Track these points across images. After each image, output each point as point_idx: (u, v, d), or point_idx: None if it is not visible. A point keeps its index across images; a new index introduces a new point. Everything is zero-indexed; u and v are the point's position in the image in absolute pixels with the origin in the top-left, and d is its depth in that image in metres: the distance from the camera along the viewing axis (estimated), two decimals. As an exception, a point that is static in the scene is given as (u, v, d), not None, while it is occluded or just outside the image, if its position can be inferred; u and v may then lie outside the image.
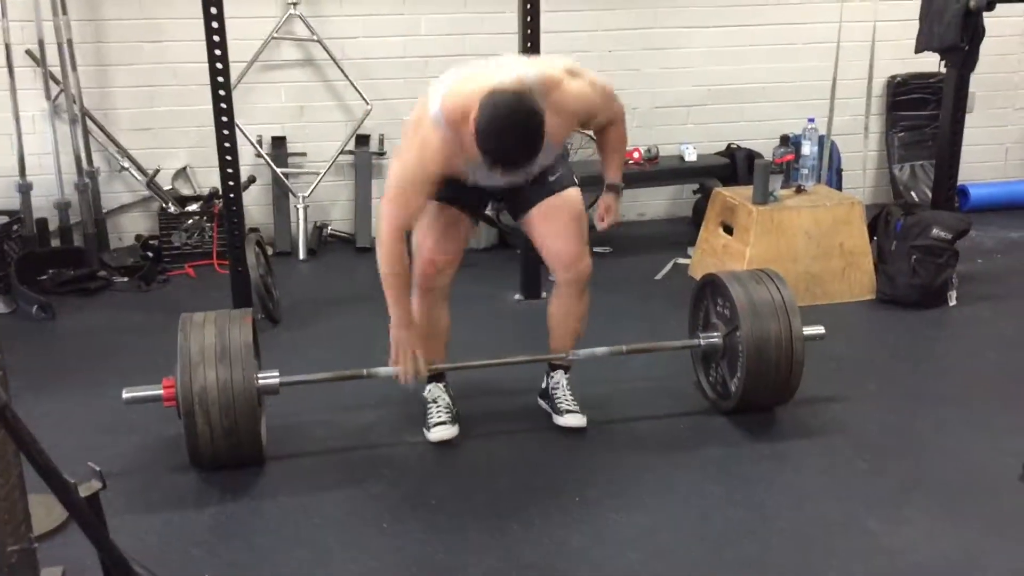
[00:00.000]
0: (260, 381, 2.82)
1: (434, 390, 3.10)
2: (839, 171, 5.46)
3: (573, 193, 2.93)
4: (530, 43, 4.03)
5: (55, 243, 4.75)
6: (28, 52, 4.60)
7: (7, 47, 4.43)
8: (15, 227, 4.57)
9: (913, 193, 5.55)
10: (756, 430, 3.11)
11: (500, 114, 2.38)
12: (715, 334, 3.18)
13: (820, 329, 3.15)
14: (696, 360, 3.34)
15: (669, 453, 3.00)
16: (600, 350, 3.08)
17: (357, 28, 4.98)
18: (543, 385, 3.20)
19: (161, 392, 2.77)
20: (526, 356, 3.20)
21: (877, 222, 4.36)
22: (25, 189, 4.57)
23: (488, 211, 3.92)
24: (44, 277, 4.48)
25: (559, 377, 3.15)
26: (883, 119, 5.65)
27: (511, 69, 2.58)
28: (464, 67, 2.70)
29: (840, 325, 3.93)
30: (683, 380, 3.39)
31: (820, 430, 3.13)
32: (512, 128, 2.40)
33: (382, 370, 2.93)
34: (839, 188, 5.36)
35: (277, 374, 2.88)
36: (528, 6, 3.99)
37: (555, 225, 2.90)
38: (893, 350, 3.81)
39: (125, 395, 2.81)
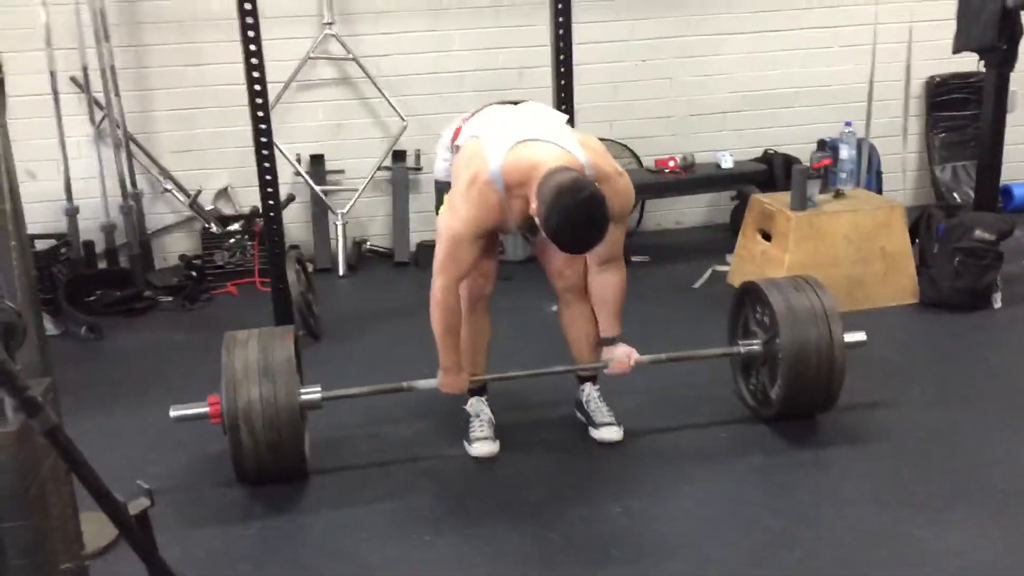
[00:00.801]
0: (303, 396, 2.86)
1: (476, 404, 3.13)
2: (879, 174, 5.41)
3: None
4: (562, 55, 4.05)
5: (102, 265, 4.86)
6: (73, 79, 4.72)
7: (52, 74, 4.55)
8: (63, 250, 4.69)
9: (955, 194, 5.49)
10: (798, 437, 3.08)
11: (568, 209, 2.45)
12: (755, 342, 3.17)
13: (861, 335, 3.12)
14: (736, 368, 3.33)
15: (710, 462, 2.99)
16: (641, 358, 3.07)
17: (391, 46, 5.05)
18: (577, 397, 3.21)
19: (207, 409, 2.83)
20: (563, 367, 3.20)
21: (919, 225, 4.31)
22: (72, 212, 4.68)
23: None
24: (92, 298, 4.58)
25: (589, 389, 3.16)
26: (923, 120, 5.59)
27: (565, 144, 2.64)
28: (510, 119, 2.79)
29: (883, 330, 3.89)
30: (723, 388, 3.37)
31: (863, 436, 3.10)
32: (581, 222, 2.47)
33: (422, 383, 2.96)
34: (879, 191, 5.31)
35: (319, 389, 2.92)
36: (560, 19, 4.01)
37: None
38: (937, 354, 3.76)
39: (172, 413, 2.87)
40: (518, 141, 2.64)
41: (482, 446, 3.02)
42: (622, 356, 2.99)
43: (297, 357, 2.99)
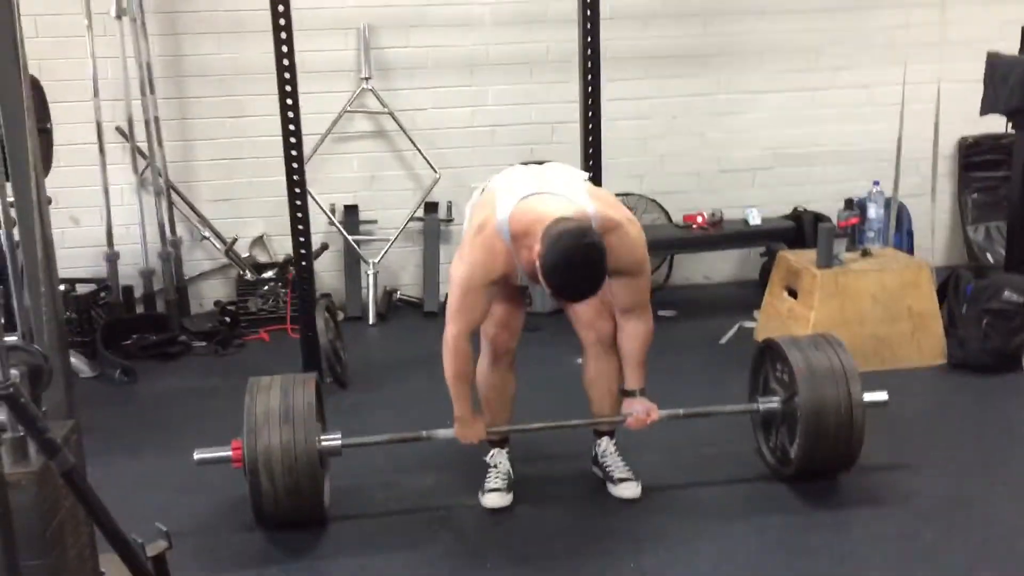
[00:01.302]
0: (322, 443, 2.91)
1: (496, 455, 3.16)
2: (910, 233, 5.39)
3: None
4: (591, 112, 4.13)
5: (139, 309, 4.97)
6: (118, 129, 4.88)
7: (99, 125, 4.71)
8: (102, 294, 4.81)
9: (988, 255, 5.45)
10: (817, 498, 3.07)
11: (565, 249, 2.48)
12: (774, 399, 3.17)
13: (883, 395, 3.11)
14: (756, 425, 3.32)
15: (727, 520, 2.98)
16: (660, 414, 3.08)
17: (426, 100, 5.16)
18: (593, 452, 3.22)
19: (230, 453, 2.88)
20: (581, 420, 3.20)
21: (947, 285, 4.29)
22: (112, 258, 4.81)
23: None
24: (128, 342, 4.69)
25: (605, 444, 3.17)
26: (955, 180, 5.58)
27: (574, 197, 2.69)
28: (527, 174, 2.84)
29: (908, 390, 3.87)
30: (743, 446, 3.36)
31: (884, 499, 3.07)
32: (576, 265, 2.50)
33: (441, 432, 3.00)
34: (911, 250, 5.29)
35: (339, 436, 2.97)
36: (589, 76, 4.09)
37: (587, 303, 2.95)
38: (963, 417, 3.72)
39: (196, 456, 2.93)
40: (529, 194, 2.69)
41: (494, 498, 3.04)
42: (641, 412, 3.00)
43: (319, 403, 3.05)
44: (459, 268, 2.78)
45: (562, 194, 2.70)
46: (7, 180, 2.02)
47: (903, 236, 5.29)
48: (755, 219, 5.09)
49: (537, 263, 2.53)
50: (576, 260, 2.49)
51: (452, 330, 2.81)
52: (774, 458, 3.22)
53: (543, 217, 2.58)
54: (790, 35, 5.34)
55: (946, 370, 4.12)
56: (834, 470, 3.13)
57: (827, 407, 2.97)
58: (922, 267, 4.21)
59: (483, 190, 2.96)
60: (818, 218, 5.12)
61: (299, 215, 4.03)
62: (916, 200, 5.28)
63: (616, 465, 3.14)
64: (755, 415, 3.27)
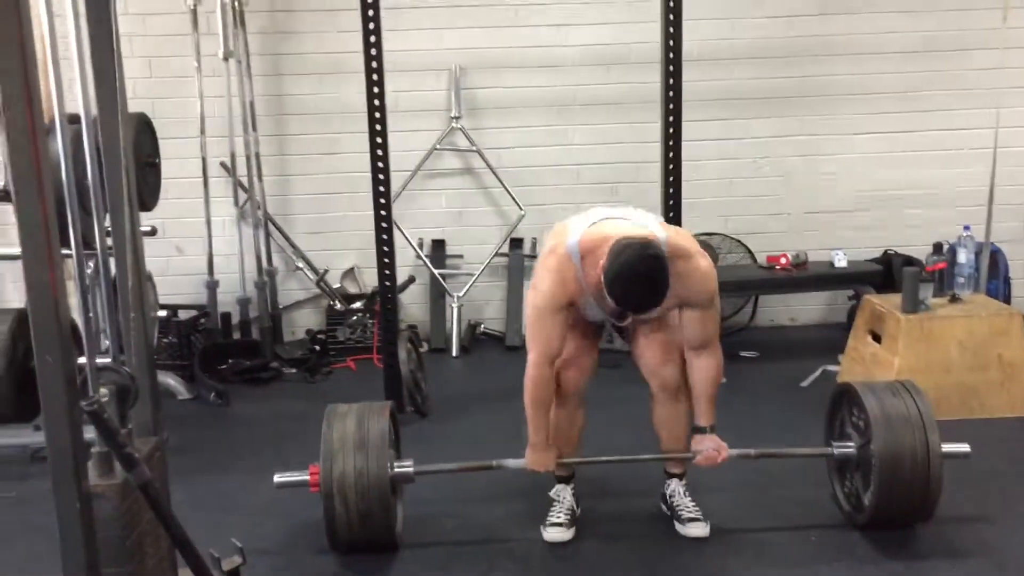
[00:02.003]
0: (395, 469, 3.01)
1: (561, 490, 3.20)
2: (1007, 280, 5.23)
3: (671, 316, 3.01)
4: (672, 152, 4.17)
5: (236, 335, 5.19)
6: (222, 164, 5.14)
7: (204, 160, 4.98)
8: (202, 320, 5.05)
9: (1091, 303, 5.24)
10: (891, 547, 3.00)
11: (627, 261, 2.56)
12: (849, 444, 3.13)
13: (964, 447, 3.03)
14: (831, 470, 3.28)
15: (796, 567, 2.94)
16: (731, 452, 3.07)
17: (514, 139, 5.29)
18: (663, 491, 3.23)
19: (307, 478, 3.00)
20: (649, 455, 3.21)
21: (1040, 333, 4.16)
22: (212, 286, 5.06)
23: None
24: (224, 366, 4.90)
25: (675, 485, 3.18)
26: (1056, 225, 5.41)
27: (646, 223, 2.79)
28: (606, 210, 2.92)
29: (996, 441, 3.77)
30: (818, 491, 3.32)
31: (963, 551, 2.99)
32: (639, 275, 2.57)
33: (510, 462, 3.06)
34: (1007, 298, 5.13)
35: (411, 463, 3.06)
36: (670, 118, 4.14)
37: (643, 330, 3.03)
38: (1053, 470, 3.60)
39: (276, 479, 3.06)
40: (600, 219, 2.78)
41: (555, 532, 3.08)
42: (711, 450, 3.00)
43: (395, 431, 3.15)
44: (532, 295, 2.87)
45: (632, 219, 2.79)
46: (106, 211, 2.18)
47: (1000, 283, 5.14)
48: (841, 261, 5.02)
49: (600, 276, 2.60)
50: (639, 269, 2.55)
51: (531, 358, 2.88)
52: (848, 504, 3.17)
53: (611, 237, 2.66)
54: (879, 77, 5.29)
55: (1037, 421, 3.99)
56: (910, 520, 3.06)
57: (903, 455, 2.92)
58: (1013, 315, 4.09)
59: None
60: (909, 262, 5.02)
61: (385, 248, 4.17)
62: (1014, 246, 5.13)
63: (685, 505, 3.14)
64: (830, 459, 3.24)
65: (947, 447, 2.97)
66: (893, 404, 3.02)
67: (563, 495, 3.18)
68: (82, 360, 2.01)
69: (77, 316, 2.16)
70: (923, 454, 2.93)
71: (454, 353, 5.22)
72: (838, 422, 3.27)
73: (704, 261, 2.82)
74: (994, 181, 4.54)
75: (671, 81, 4.10)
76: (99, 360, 1.98)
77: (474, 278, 5.31)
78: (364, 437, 2.95)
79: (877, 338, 4.24)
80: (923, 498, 2.97)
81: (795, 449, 3.29)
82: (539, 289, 2.83)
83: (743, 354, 4.95)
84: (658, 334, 3.01)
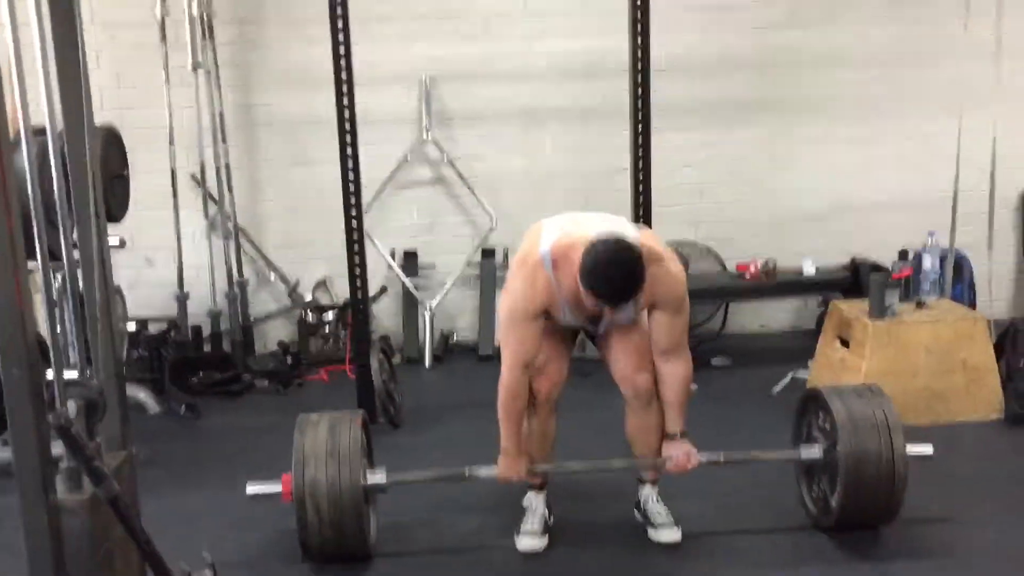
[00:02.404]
0: (368, 479, 3.01)
1: (533, 498, 3.21)
2: (972, 285, 5.31)
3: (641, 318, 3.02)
4: (642, 161, 4.21)
5: (206, 348, 5.16)
6: (192, 175, 5.12)
7: (173, 171, 4.96)
8: (172, 333, 5.02)
9: (1055, 307, 5.33)
10: (859, 549, 3.04)
11: (602, 252, 2.61)
12: (815, 448, 3.16)
13: (927, 448, 3.08)
14: (799, 474, 3.31)
15: (766, 570, 2.98)
16: (700, 458, 3.09)
17: (485, 149, 5.31)
18: (636, 499, 3.25)
19: (280, 488, 2.99)
20: (621, 460, 3.23)
21: (1004, 338, 4.23)
22: (182, 299, 5.03)
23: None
24: (195, 379, 4.87)
25: (648, 491, 3.20)
26: (1019, 232, 5.49)
27: (619, 227, 2.81)
28: (578, 215, 2.95)
29: (961, 444, 3.83)
30: (786, 494, 3.35)
31: (928, 552, 3.04)
32: (613, 263, 2.61)
33: (482, 470, 3.07)
34: (972, 302, 5.20)
35: (383, 473, 3.06)
36: (640, 127, 4.18)
37: (616, 338, 3.04)
38: (1015, 471, 3.65)
39: (249, 490, 3.05)
40: (572, 223, 2.80)
41: (528, 540, 3.09)
42: (681, 456, 3.02)
43: (367, 441, 3.15)
44: (504, 302, 2.89)
45: (602, 222, 2.81)
46: (74, 224, 2.17)
47: (964, 288, 5.21)
48: (810, 268, 5.08)
49: (576, 276, 2.64)
50: (613, 259, 2.59)
51: (505, 363, 2.90)
52: (816, 508, 3.21)
53: (585, 239, 2.68)
54: (846, 87, 5.36)
55: (1002, 425, 4.05)
56: (875, 521, 3.10)
57: (869, 458, 2.97)
58: (977, 320, 4.16)
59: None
60: (876, 268, 5.08)
61: (357, 259, 4.17)
62: (978, 252, 5.20)
63: (658, 511, 3.16)
64: (798, 463, 3.27)
65: (911, 449, 3.02)
66: (859, 407, 3.06)
67: (535, 503, 3.19)
68: (50, 374, 2.01)
69: (44, 330, 2.15)
70: (888, 456, 2.98)
71: (427, 363, 5.22)
72: (805, 426, 3.31)
73: (674, 265, 2.85)
74: (958, 188, 4.61)
75: (640, 91, 4.15)
76: (67, 374, 1.97)
77: (446, 288, 5.32)
78: (336, 446, 2.95)
79: (845, 344, 4.29)
80: (888, 500, 3.02)
81: (763, 453, 3.32)
82: (512, 296, 2.85)
83: (714, 361, 4.98)
84: (630, 341, 3.02)
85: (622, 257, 2.61)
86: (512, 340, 2.87)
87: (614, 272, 2.61)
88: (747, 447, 3.59)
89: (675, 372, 2.97)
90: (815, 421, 3.23)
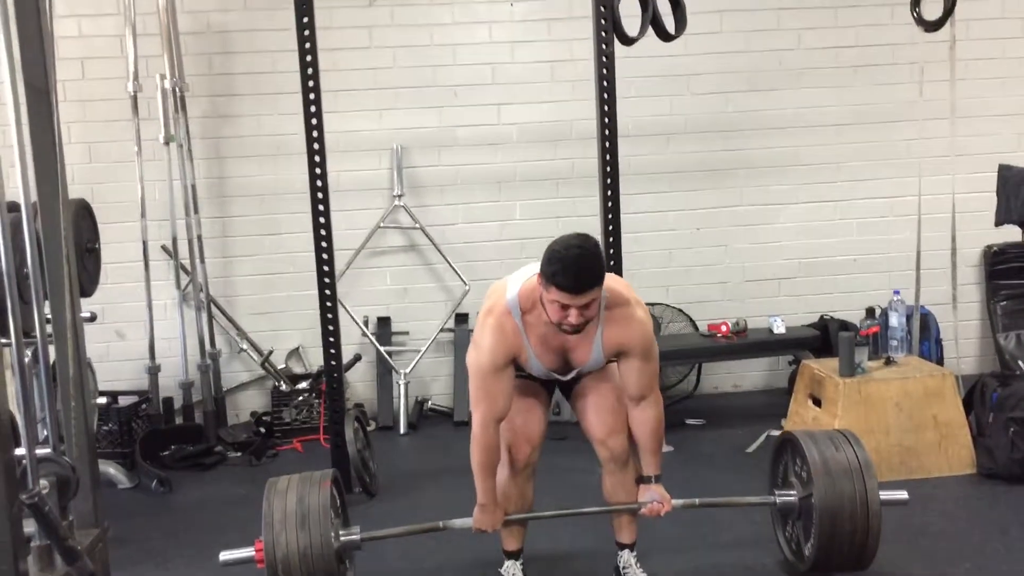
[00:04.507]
0: (342, 538, 2.97)
1: (510, 567, 3.18)
2: (939, 342, 5.39)
3: (610, 367, 3.04)
4: (611, 226, 4.26)
5: (178, 420, 5.11)
6: (163, 247, 5.12)
7: (144, 244, 4.95)
8: (143, 406, 4.96)
9: (1021, 362, 5.41)
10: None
11: (560, 242, 2.68)
12: (791, 493, 3.17)
13: (902, 494, 3.09)
14: (774, 515, 3.33)
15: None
16: (675, 503, 3.06)
17: (456, 215, 5.36)
18: (616, 563, 3.22)
19: (253, 553, 2.94)
20: (596, 508, 3.18)
21: (973, 393, 4.28)
22: (154, 371, 4.99)
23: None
24: (166, 452, 4.80)
25: (627, 557, 3.18)
26: (983, 288, 5.60)
27: None
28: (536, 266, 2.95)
29: (935, 499, 3.85)
30: (764, 550, 3.35)
31: (905, 608, 3.04)
32: (573, 247, 2.65)
33: (457, 522, 3.05)
34: (940, 359, 5.28)
35: (358, 529, 3.03)
36: (608, 192, 4.24)
37: (591, 398, 3.05)
38: (990, 527, 3.66)
39: (222, 557, 3.00)
40: (536, 273, 2.79)
41: (506, 608, 3.06)
42: (655, 502, 3.00)
43: (341, 499, 3.11)
44: (471, 356, 2.90)
45: None
46: (45, 299, 2.17)
47: (931, 344, 5.29)
48: (779, 328, 5.14)
49: (542, 309, 2.70)
50: (571, 243, 2.65)
51: (476, 418, 2.89)
52: (790, 551, 3.22)
53: None
54: (809, 149, 5.50)
55: (975, 480, 4.07)
56: (849, 568, 3.09)
57: (843, 503, 2.98)
58: (946, 375, 4.21)
59: None
60: (844, 326, 5.15)
61: (330, 327, 4.17)
62: (944, 309, 5.29)
63: (636, 575, 3.14)
64: (772, 508, 3.27)
65: (885, 495, 3.04)
66: (833, 455, 3.08)
67: (513, 571, 3.16)
68: (21, 451, 1.98)
69: (14, 406, 2.13)
70: (862, 501, 2.99)
71: (402, 430, 5.19)
72: (781, 470, 3.31)
73: (640, 311, 2.89)
74: (920, 246, 4.71)
75: (607, 156, 4.22)
76: (39, 451, 1.95)
77: (420, 354, 5.32)
78: (306, 512, 2.91)
79: (817, 402, 4.32)
80: (863, 546, 3.02)
81: (738, 498, 3.33)
82: (480, 348, 2.85)
83: (689, 421, 5.00)
84: (604, 400, 3.03)
85: (580, 242, 2.66)
86: (482, 394, 2.87)
87: (574, 254, 2.62)
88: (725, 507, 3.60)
89: (647, 418, 2.96)
90: (792, 466, 3.24)
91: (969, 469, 4.13)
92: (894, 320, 4.40)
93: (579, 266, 2.63)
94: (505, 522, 3.03)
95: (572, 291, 2.63)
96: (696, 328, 5.38)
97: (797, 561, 3.17)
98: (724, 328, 5.08)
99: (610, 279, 2.85)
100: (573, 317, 2.68)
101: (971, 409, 4.26)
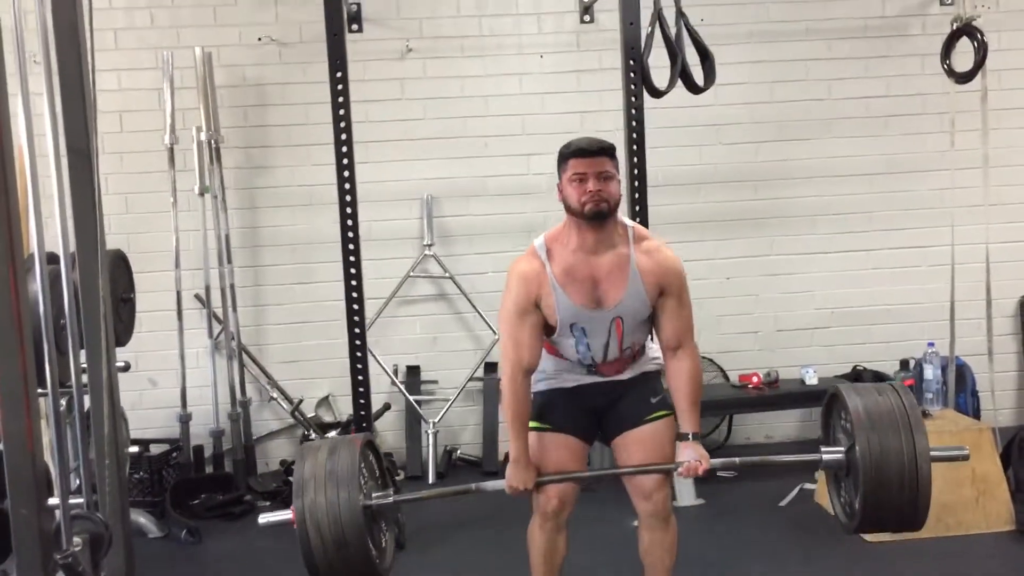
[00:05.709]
0: (374, 498, 2.86)
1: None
2: (975, 394, 5.30)
3: (664, 425, 3.00)
4: (642, 277, 4.25)
5: (208, 468, 5.12)
6: (196, 296, 5.18)
7: (178, 293, 5.01)
8: (174, 455, 4.98)
9: (1060, 414, 5.32)
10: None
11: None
12: (838, 449, 2.93)
13: (964, 450, 2.86)
14: (829, 482, 3.10)
15: None
16: (713, 462, 2.93)
17: (486, 264, 5.38)
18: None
19: (291, 515, 2.84)
20: (623, 470, 3.03)
21: (1011, 447, 4.20)
22: (185, 419, 5.01)
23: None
24: (196, 501, 4.81)
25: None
26: (1019, 339, 5.52)
27: None
28: None
29: (973, 557, 3.77)
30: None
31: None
32: (586, 136, 2.97)
33: (489, 484, 3.01)
34: (977, 412, 5.19)
35: (391, 492, 2.95)
36: (639, 243, 4.24)
37: (639, 455, 2.98)
38: (1032, 585, 3.58)
39: (261, 520, 2.94)
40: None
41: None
42: (693, 460, 2.89)
43: (379, 463, 3.01)
44: (501, 308, 2.94)
45: None
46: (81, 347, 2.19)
47: (967, 397, 5.21)
48: (812, 379, 5.08)
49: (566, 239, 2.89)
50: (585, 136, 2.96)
51: (505, 369, 2.90)
52: (844, 514, 2.98)
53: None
54: (840, 198, 5.48)
55: (1014, 536, 3.97)
56: (900, 528, 2.89)
57: (889, 457, 2.73)
58: (983, 430, 4.14)
59: None
60: (878, 377, 5.09)
61: (360, 376, 4.18)
62: (979, 360, 5.21)
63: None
64: (825, 468, 3.01)
65: (945, 451, 2.82)
66: (877, 404, 2.81)
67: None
68: (54, 500, 1.99)
69: (48, 457, 2.14)
70: (911, 454, 2.73)
71: (430, 480, 5.16)
72: (831, 428, 3.07)
73: (668, 251, 2.96)
74: (954, 296, 4.66)
75: (637, 207, 4.23)
76: (73, 504, 1.96)
77: (449, 403, 5.31)
78: (334, 468, 2.79)
79: (852, 455, 4.25)
80: (913, 503, 2.76)
81: (782, 457, 3.17)
82: (505, 296, 2.91)
83: (721, 474, 4.93)
84: (650, 449, 2.96)
85: (595, 137, 2.93)
86: (509, 344, 2.88)
87: (589, 139, 2.91)
88: (758, 563, 3.53)
89: (685, 368, 2.91)
90: (839, 421, 3.00)
91: (1008, 526, 4.03)
92: (929, 373, 4.34)
93: (589, 138, 2.91)
94: (537, 484, 2.95)
95: (585, 154, 2.85)
96: (727, 378, 5.34)
97: (849, 520, 2.93)
98: (756, 379, 5.04)
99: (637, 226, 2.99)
100: (592, 184, 2.81)
101: (1009, 464, 4.18)
